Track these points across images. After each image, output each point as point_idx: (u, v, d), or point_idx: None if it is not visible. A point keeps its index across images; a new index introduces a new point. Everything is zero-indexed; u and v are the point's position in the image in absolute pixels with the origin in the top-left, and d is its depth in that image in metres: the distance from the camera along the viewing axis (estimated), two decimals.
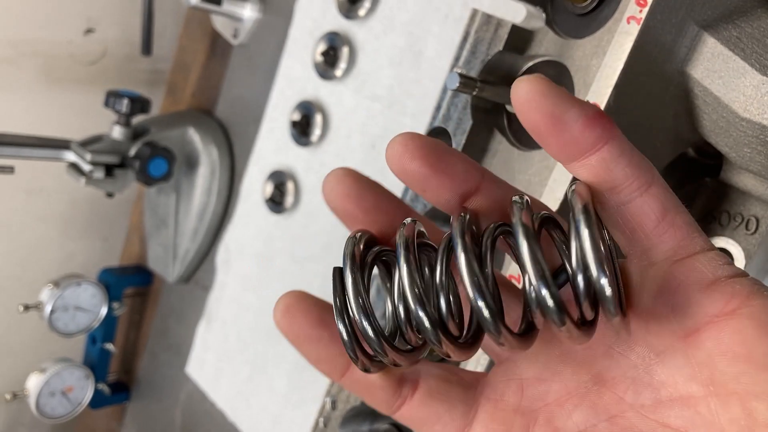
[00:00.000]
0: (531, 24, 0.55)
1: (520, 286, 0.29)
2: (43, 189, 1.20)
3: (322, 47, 0.88)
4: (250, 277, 1.00)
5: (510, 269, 0.55)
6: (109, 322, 1.17)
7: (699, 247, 0.28)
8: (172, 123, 1.05)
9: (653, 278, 0.29)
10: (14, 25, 1.09)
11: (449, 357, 0.29)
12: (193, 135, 1.05)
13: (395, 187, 0.77)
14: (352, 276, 0.29)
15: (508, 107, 0.57)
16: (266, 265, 0.97)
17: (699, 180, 0.61)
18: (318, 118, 0.89)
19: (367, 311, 0.29)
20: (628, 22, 0.49)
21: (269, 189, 0.95)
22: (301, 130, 0.91)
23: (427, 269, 0.30)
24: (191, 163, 1.06)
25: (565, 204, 0.51)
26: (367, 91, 0.85)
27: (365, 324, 0.28)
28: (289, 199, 0.93)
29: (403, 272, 0.28)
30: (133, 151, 0.97)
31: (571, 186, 0.28)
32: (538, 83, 0.27)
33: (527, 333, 0.28)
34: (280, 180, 0.94)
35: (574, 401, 0.30)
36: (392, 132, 0.81)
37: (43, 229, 1.24)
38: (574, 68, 0.54)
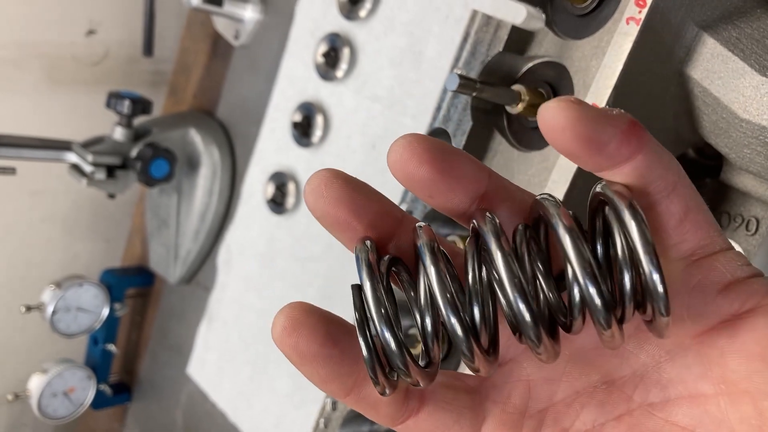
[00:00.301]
0: (531, 25, 0.56)
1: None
2: (45, 190, 1.21)
3: (323, 48, 0.88)
4: (251, 278, 1.00)
5: None
6: (111, 323, 1.17)
7: (718, 246, 0.28)
8: (174, 124, 1.05)
9: (671, 278, 0.28)
10: (17, 27, 1.09)
11: (478, 372, 0.27)
12: (195, 136, 1.05)
13: (395, 187, 0.78)
14: (371, 285, 0.26)
15: (507, 108, 0.57)
16: (267, 266, 0.97)
17: (699, 181, 0.61)
18: (319, 119, 0.89)
19: (391, 322, 0.26)
20: (628, 23, 0.49)
21: (270, 190, 0.95)
22: (302, 131, 0.91)
23: (447, 278, 0.27)
24: (193, 164, 1.06)
25: (566, 203, 0.51)
26: (368, 92, 0.85)
27: (387, 336, 0.26)
28: (290, 200, 0.94)
29: (432, 277, 0.26)
30: (134, 152, 0.98)
31: (599, 183, 0.27)
32: (570, 109, 0.25)
33: (556, 339, 0.27)
34: (281, 181, 0.94)
35: (581, 401, 0.30)
36: (393, 132, 0.81)
37: (44, 230, 1.24)
38: (574, 69, 0.54)
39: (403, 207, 0.65)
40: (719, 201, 0.59)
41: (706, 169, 0.61)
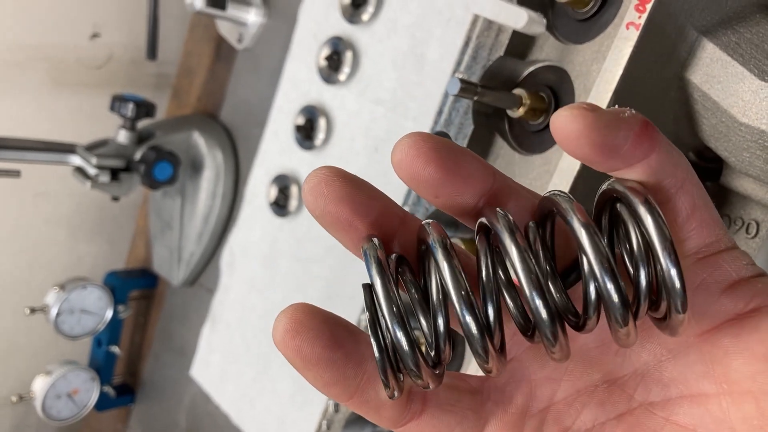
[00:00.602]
0: (532, 29, 0.56)
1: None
2: (49, 192, 1.21)
3: (325, 52, 0.89)
4: (254, 280, 1.00)
5: None
6: (115, 325, 1.18)
7: (724, 245, 0.28)
8: (177, 127, 1.06)
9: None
10: (21, 30, 1.10)
11: (490, 372, 0.27)
12: (198, 139, 1.05)
13: (397, 189, 0.78)
14: (382, 284, 0.26)
15: (509, 112, 0.58)
16: (270, 268, 0.98)
17: None
18: (322, 122, 0.90)
19: (403, 322, 0.25)
20: (628, 28, 0.49)
21: (273, 192, 0.96)
22: (305, 134, 0.91)
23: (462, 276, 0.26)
24: (196, 167, 1.07)
25: None
26: (371, 95, 0.85)
27: (400, 335, 0.25)
28: (292, 203, 0.94)
29: (446, 274, 0.25)
30: (138, 155, 0.98)
31: (608, 181, 0.27)
32: (582, 117, 0.25)
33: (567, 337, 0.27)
34: (284, 183, 0.95)
35: (582, 400, 0.30)
36: (395, 135, 0.82)
37: (49, 233, 1.24)
38: (575, 73, 0.54)
39: (406, 209, 0.65)
40: (719, 204, 0.59)
41: (706, 173, 0.61)
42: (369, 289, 0.27)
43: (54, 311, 1.08)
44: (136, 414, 1.27)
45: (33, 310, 1.08)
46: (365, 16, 0.85)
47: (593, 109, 0.26)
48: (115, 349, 1.20)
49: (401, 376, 0.27)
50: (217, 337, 1.06)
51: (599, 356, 0.30)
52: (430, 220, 0.27)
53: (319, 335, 0.27)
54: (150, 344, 1.23)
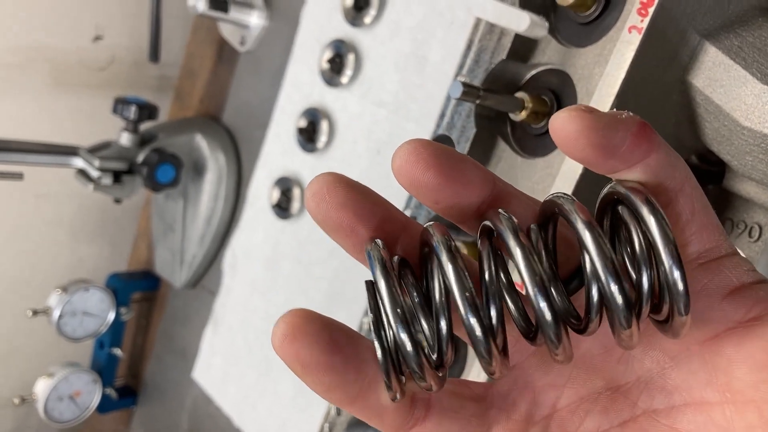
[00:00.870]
0: (534, 33, 0.56)
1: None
2: (51, 194, 1.21)
3: (328, 54, 0.89)
4: (256, 282, 1.00)
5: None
6: (117, 327, 1.18)
7: (724, 250, 0.28)
8: (180, 129, 1.06)
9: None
10: (24, 33, 1.10)
11: (493, 374, 0.26)
12: (201, 141, 1.06)
13: (400, 192, 0.78)
14: (386, 284, 0.26)
15: (511, 115, 0.58)
16: (272, 270, 0.98)
17: (702, 187, 0.61)
18: (324, 125, 0.90)
19: (407, 322, 0.26)
20: (630, 32, 0.49)
21: (276, 195, 0.96)
22: (308, 136, 0.91)
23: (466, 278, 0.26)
24: (198, 169, 1.07)
25: None
26: (373, 97, 0.85)
27: (404, 336, 0.25)
28: (295, 205, 0.94)
29: (450, 275, 0.25)
30: (140, 158, 0.98)
31: (610, 183, 0.27)
32: (580, 118, 0.26)
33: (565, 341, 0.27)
34: (286, 186, 0.95)
35: (585, 407, 0.30)
36: (397, 137, 0.82)
37: (51, 235, 1.24)
38: (577, 77, 0.54)
39: (407, 213, 0.65)
40: (722, 208, 0.59)
41: (709, 176, 0.61)
42: (372, 288, 0.27)
43: (56, 313, 1.08)
44: (138, 416, 1.27)
45: (35, 312, 1.08)
46: (367, 19, 0.85)
47: (591, 110, 0.26)
48: (117, 351, 1.20)
49: (404, 378, 0.27)
50: (219, 340, 1.06)
51: (602, 363, 0.30)
52: (432, 222, 0.27)
53: (317, 340, 0.27)
54: (152, 346, 1.23)
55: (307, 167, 0.93)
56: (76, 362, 1.17)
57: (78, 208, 1.26)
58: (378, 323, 0.26)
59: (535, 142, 0.58)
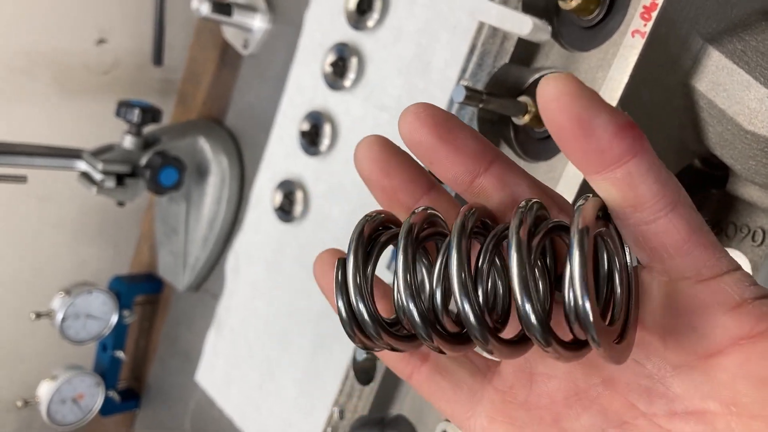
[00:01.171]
0: (537, 37, 0.56)
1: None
2: (54, 197, 1.22)
3: (331, 58, 0.89)
4: (259, 285, 1.01)
5: None
6: (120, 330, 1.18)
7: (725, 267, 0.27)
8: (183, 132, 1.06)
9: (673, 295, 0.28)
10: (28, 36, 1.11)
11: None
12: (204, 144, 1.06)
13: None
14: (353, 256, 0.28)
15: (514, 119, 0.58)
16: (275, 273, 0.98)
17: (705, 191, 0.61)
18: (327, 128, 0.90)
19: (363, 294, 0.28)
20: (633, 36, 0.49)
21: (278, 198, 0.96)
22: (310, 139, 0.91)
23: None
24: (201, 172, 1.07)
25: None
26: (376, 101, 0.85)
27: (360, 308, 0.28)
28: (298, 208, 0.94)
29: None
30: (144, 161, 0.98)
31: (580, 202, 0.26)
32: (568, 82, 0.24)
33: (523, 342, 0.28)
34: (289, 189, 0.95)
35: (583, 403, 0.30)
36: (400, 141, 0.82)
37: (54, 237, 1.25)
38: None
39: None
40: (725, 211, 0.59)
41: (712, 180, 0.61)
42: (344, 258, 0.29)
43: (59, 316, 1.08)
44: (140, 419, 1.27)
45: (38, 315, 1.08)
46: (370, 23, 0.85)
47: (581, 83, 0.25)
48: (120, 354, 1.20)
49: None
50: (221, 342, 1.06)
51: (599, 360, 0.29)
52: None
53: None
54: (155, 349, 1.23)
55: (309, 170, 0.93)
56: (79, 365, 1.17)
57: (81, 211, 1.26)
58: (342, 288, 0.29)
59: (537, 146, 0.58)
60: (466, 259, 0.26)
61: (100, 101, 1.18)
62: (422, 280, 0.30)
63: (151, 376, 1.24)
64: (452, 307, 0.28)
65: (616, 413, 0.29)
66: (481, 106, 0.54)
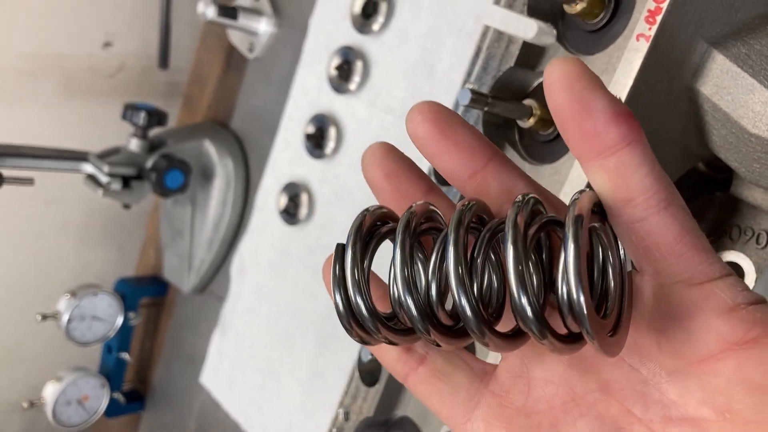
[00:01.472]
0: (542, 40, 0.56)
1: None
2: (61, 200, 1.22)
3: (336, 61, 0.89)
4: (264, 287, 1.01)
5: None
6: (125, 332, 1.19)
7: (718, 272, 0.28)
8: (189, 135, 1.06)
9: (667, 299, 0.28)
10: (35, 39, 1.11)
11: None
12: (209, 147, 1.06)
13: None
14: (351, 249, 0.28)
15: (519, 122, 0.58)
16: (280, 276, 0.98)
17: (709, 194, 0.62)
18: (332, 131, 0.90)
19: (361, 288, 0.28)
20: (638, 40, 0.49)
21: (283, 200, 0.96)
22: (316, 142, 0.92)
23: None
24: (207, 175, 1.08)
25: None
26: (381, 104, 0.86)
27: (358, 301, 0.28)
28: (303, 211, 0.94)
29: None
30: (149, 163, 0.99)
31: (575, 196, 0.27)
32: (574, 65, 0.26)
33: (518, 335, 0.28)
34: (294, 192, 0.95)
35: (580, 410, 0.30)
36: (405, 144, 0.82)
37: (60, 239, 1.25)
38: None
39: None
40: (729, 214, 0.59)
41: (716, 183, 0.62)
42: (342, 246, 0.29)
43: (65, 318, 1.08)
44: (145, 421, 1.28)
45: (44, 317, 1.09)
46: (375, 26, 0.85)
47: (587, 67, 0.26)
48: (125, 355, 1.21)
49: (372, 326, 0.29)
50: (226, 345, 1.06)
51: (595, 365, 0.30)
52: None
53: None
54: (160, 351, 1.23)
55: (315, 173, 0.94)
56: (85, 367, 1.17)
57: (87, 214, 1.26)
58: (340, 281, 0.29)
59: (542, 149, 0.58)
60: (463, 253, 0.26)
61: (107, 104, 1.19)
62: (417, 274, 0.30)
63: (156, 377, 1.25)
64: (448, 301, 0.28)
65: (612, 419, 0.29)
66: (486, 109, 0.54)
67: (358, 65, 0.87)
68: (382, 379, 0.68)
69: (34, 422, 1.31)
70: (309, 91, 0.95)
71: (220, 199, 1.07)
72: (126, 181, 0.98)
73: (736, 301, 0.27)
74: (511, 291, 0.25)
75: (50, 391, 1.12)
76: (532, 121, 0.56)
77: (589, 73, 0.26)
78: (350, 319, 0.29)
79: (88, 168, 0.96)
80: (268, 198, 1.00)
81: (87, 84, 1.18)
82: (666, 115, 0.53)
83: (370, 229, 0.30)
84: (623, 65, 0.50)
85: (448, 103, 0.77)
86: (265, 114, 1.04)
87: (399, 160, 0.33)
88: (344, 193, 0.90)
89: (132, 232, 1.32)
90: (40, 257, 1.24)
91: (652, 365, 0.28)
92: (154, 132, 1.02)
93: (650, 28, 0.49)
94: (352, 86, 0.88)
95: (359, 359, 0.70)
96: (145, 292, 1.22)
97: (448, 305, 0.29)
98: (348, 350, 0.87)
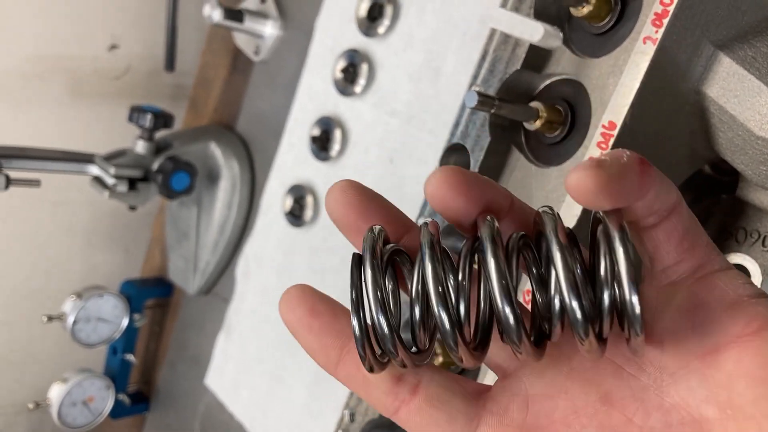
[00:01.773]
0: (548, 43, 0.56)
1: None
2: (67, 201, 1.22)
3: (341, 64, 0.90)
4: (269, 289, 1.01)
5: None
6: (130, 333, 1.19)
7: (718, 265, 0.28)
8: (195, 137, 1.07)
9: (672, 297, 0.29)
10: (41, 42, 1.12)
11: (461, 362, 0.28)
12: (215, 149, 1.06)
13: (412, 200, 0.78)
14: (371, 268, 0.28)
15: (525, 125, 0.58)
16: (285, 277, 0.98)
17: (715, 196, 0.62)
18: (337, 134, 0.90)
19: (384, 306, 0.28)
20: (644, 43, 0.49)
21: (289, 203, 0.97)
22: (321, 145, 0.92)
23: (441, 272, 0.29)
24: (212, 177, 1.08)
25: (582, 220, 0.52)
26: (386, 107, 0.86)
27: (382, 319, 0.28)
28: (308, 213, 0.95)
29: (427, 270, 0.27)
30: (155, 165, 0.99)
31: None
32: (597, 175, 0.26)
33: (539, 344, 0.29)
34: (299, 194, 0.96)
35: (582, 421, 0.30)
36: (410, 146, 0.82)
37: (66, 241, 1.26)
38: (591, 87, 0.55)
39: (421, 220, 0.65)
40: (735, 217, 0.59)
41: (722, 185, 0.62)
42: (358, 262, 0.29)
43: (71, 319, 1.09)
44: (150, 422, 1.28)
45: (50, 318, 1.09)
46: (381, 29, 0.86)
47: (600, 164, 0.26)
48: (131, 357, 1.21)
49: (385, 357, 0.29)
50: (231, 346, 1.06)
51: (595, 376, 0.30)
52: (429, 220, 0.30)
53: (303, 303, 0.32)
54: (165, 353, 1.24)
55: (320, 175, 0.94)
56: (90, 368, 1.18)
57: (93, 215, 1.27)
58: (358, 301, 0.29)
59: (549, 152, 0.59)
60: (506, 269, 0.27)
61: (113, 106, 1.19)
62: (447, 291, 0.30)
63: (161, 379, 1.25)
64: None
65: (613, 429, 0.29)
66: (492, 111, 0.55)
67: (364, 68, 0.87)
68: None
69: (40, 423, 1.31)
70: (314, 94, 0.95)
71: (226, 201, 1.07)
72: (132, 183, 0.98)
73: (738, 293, 0.28)
74: (496, 305, 0.27)
75: (56, 393, 1.12)
76: (538, 123, 0.56)
77: (608, 172, 0.26)
78: (365, 342, 0.28)
79: (95, 170, 0.96)
80: (274, 200, 1.01)
81: (93, 86, 1.19)
82: (672, 118, 0.53)
83: (382, 250, 0.29)
84: (630, 68, 0.50)
85: (454, 106, 0.77)
86: (271, 116, 1.04)
87: (373, 198, 0.32)
88: None
89: (138, 234, 1.32)
90: (46, 259, 1.25)
91: (652, 370, 0.29)
92: (160, 134, 1.02)
93: (657, 31, 0.49)
94: (358, 89, 0.88)
95: None
96: (151, 294, 1.23)
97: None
98: None
